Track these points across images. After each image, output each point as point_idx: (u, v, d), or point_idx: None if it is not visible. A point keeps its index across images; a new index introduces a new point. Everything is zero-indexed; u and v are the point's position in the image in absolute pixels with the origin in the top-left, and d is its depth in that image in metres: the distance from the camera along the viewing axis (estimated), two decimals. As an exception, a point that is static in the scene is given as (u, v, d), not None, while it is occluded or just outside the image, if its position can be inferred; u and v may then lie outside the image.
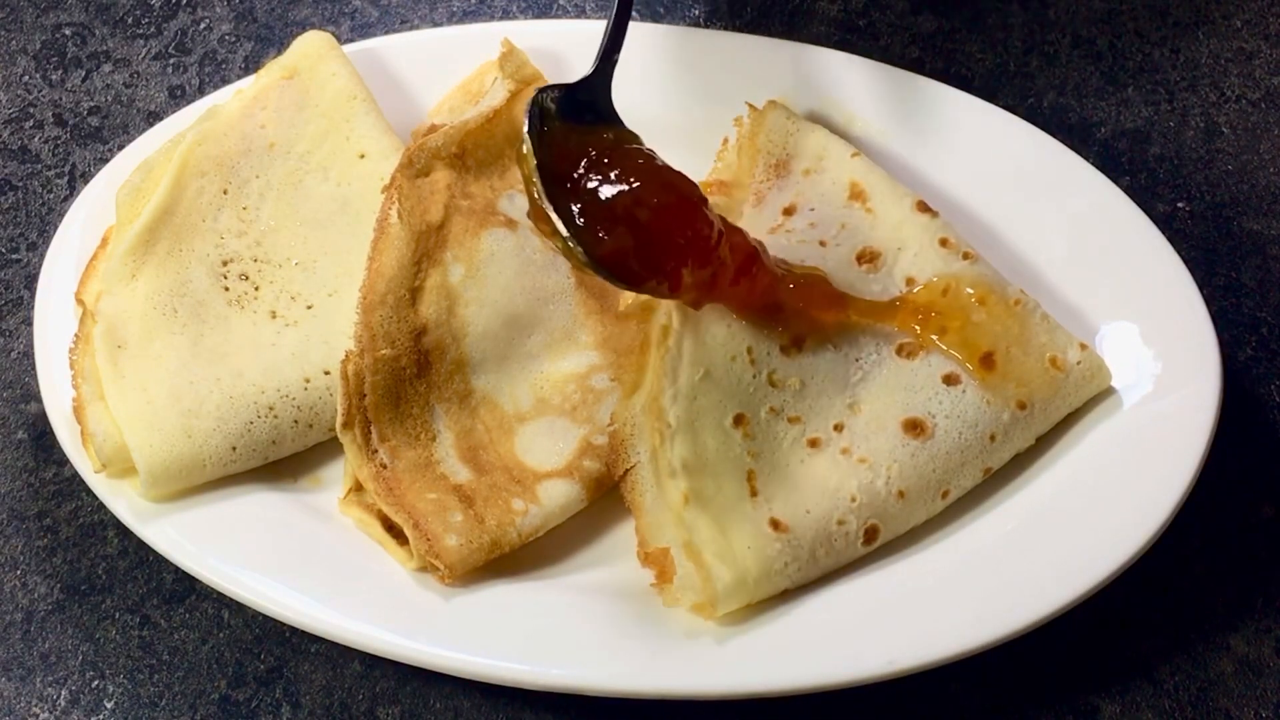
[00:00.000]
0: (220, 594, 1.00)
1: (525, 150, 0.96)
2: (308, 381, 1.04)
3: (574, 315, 1.06)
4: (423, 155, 1.09)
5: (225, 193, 1.11)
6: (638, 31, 1.21)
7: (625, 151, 0.98)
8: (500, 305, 1.05)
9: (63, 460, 1.08)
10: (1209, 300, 1.04)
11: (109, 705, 0.99)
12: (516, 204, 1.11)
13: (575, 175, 0.96)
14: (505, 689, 0.97)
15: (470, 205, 1.09)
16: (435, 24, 1.37)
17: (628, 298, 1.05)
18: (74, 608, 1.03)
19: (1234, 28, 1.34)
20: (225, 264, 1.09)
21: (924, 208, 1.07)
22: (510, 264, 1.07)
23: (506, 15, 1.38)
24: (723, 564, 0.93)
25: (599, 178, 0.95)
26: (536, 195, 0.94)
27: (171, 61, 1.35)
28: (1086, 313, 1.06)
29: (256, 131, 1.13)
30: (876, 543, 0.97)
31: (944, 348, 1.01)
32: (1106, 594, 0.94)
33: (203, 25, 1.38)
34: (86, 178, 1.23)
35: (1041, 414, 1.01)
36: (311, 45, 1.18)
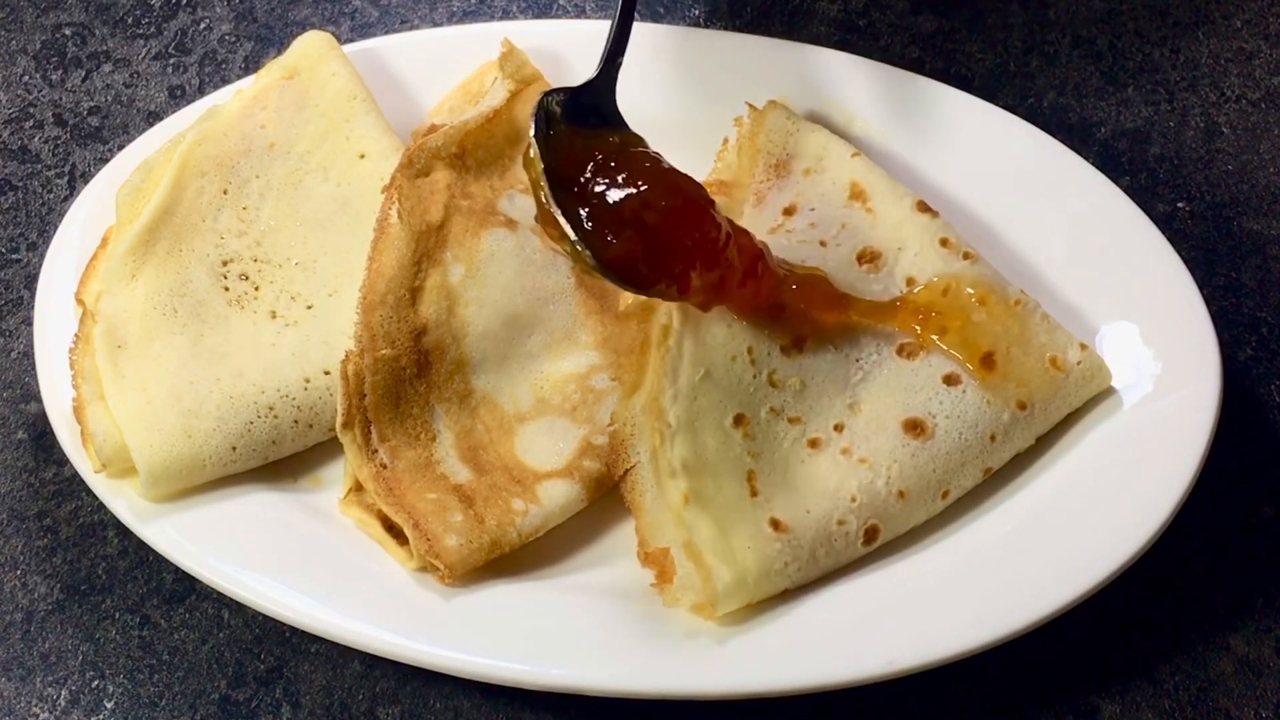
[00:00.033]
0: (220, 594, 1.00)
1: (532, 154, 0.96)
2: (308, 381, 1.04)
3: (574, 315, 1.06)
4: (423, 155, 1.09)
5: (225, 193, 1.11)
6: (638, 31, 1.20)
7: (632, 155, 0.98)
8: (500, 305, 1.05)
9: (63, 460, 1.08)
10: (1209, 300, 1.04)
11: (109, 705, 0.99)
12: (516, 204, 1.11)
13: (582, 179, 0.96)
14: (505, 689, 0.97)
15: (470, 205, 1.09)
16: (435, 24, 1.37)
17: (628, 298, 1.05)
18: (74, 608, 1.03)
19: (1234, 28, 1.34)
20: (225, 264, 1.09)
21: (924, 208, 1.07)
22: (510, 264, 1.07)
23: (506, 15, 1.38)
24: (723, 564, 0.93)
25: (606, 181, 0.95)
26: (544, 199, 0.94)
27: (171, 61, 1.35)
28: (1086, 313, 1.06)
29: (256, 131, 1.13)
30: (876, 543, 0.97)
31: (944, 348, 1.01)
32: (1106, 594, 0.94)
33: (203, 25, 1.38)
34: (86, 178, 1.23)
35: (1041, 414, 1.01)
36: (311, 45, 1.18)
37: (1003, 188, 1.12)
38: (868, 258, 1.06)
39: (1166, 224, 1.16)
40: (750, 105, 1.15)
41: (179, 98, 1.32)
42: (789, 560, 0.94)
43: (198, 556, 0.97)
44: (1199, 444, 0.97)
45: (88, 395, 1.01)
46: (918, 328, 1.02)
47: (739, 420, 0.99)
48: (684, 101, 1.19)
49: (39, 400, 1.05)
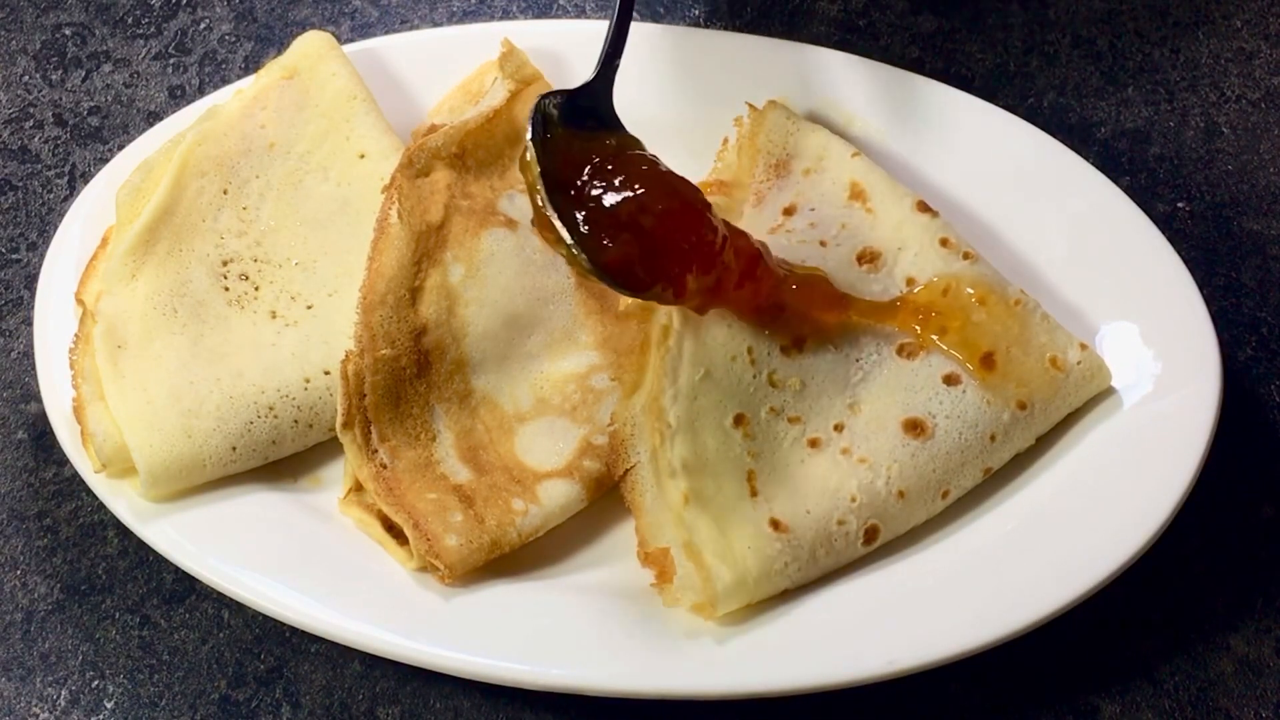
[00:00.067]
0: (220, 594, 1.00)
1: (529, 158, 0.96)
2: (308, 381, 1.04)
3: (574, 315, 1.06)
4: (423, 155, 1.09)
5: (225, 193, 1.11)
6: (637, 31, 1.20)
7: (628, 158, 0.98)
8: (500, 305, 1.05)
9: (63, 460, 1.08)
10: (1209, 300, 1.04)
11: (109, 705, 0.99)
12: (516, 204, 1.11)
13: (579, 182, 0.96)
14: (505, 689, 0.97)
15: (470, 205, 1.09)
16: (435, 24, 1.37)
17: (628, 298, 1.05)
18: (74, 608, 1.03)
19: (1234, 28, 1.34)
20: (225, 264, 1.09)
21: (924, 208, 1.07)
22: (510, 264, 1.07)
23: (506, 15, 1.38)
24: (723, 564, 0.93)
25: (603, 184, 0.95)
26: (540, 203, 0.94)
27: (171, 61, 1.35)
28: (1086, 313, 1.06)
29: (256, 131, 1.13)
30: (876, 543, 0.97)
31: (944, 348, 1.01)
32: (1106, 594, 0.94)
33: (203, 25, 1.38)
34: (86, 178, 1.23)
35: (1041, 414, 1.01)
36: (311, 45, 1.18)
37: (1003, 188, 1.12)
38: (868, 258, 1.06)
39: (1166, 224, 1.16)
40: (750, 105, 1.15)
41: (179, 98, 1.32)
42: (789, 560, 0.94)
43: (198, 556, 0.97)
44: (1199, 444, 0.97)
45: (88, 395, 1.01)
46: (918, 328, 1.02)
47: (739, 420, 0.99)
48: (684, 101, 1.19)
49: (39, 400, 1.05)
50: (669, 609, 0.95)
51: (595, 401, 1.03)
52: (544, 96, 1.00)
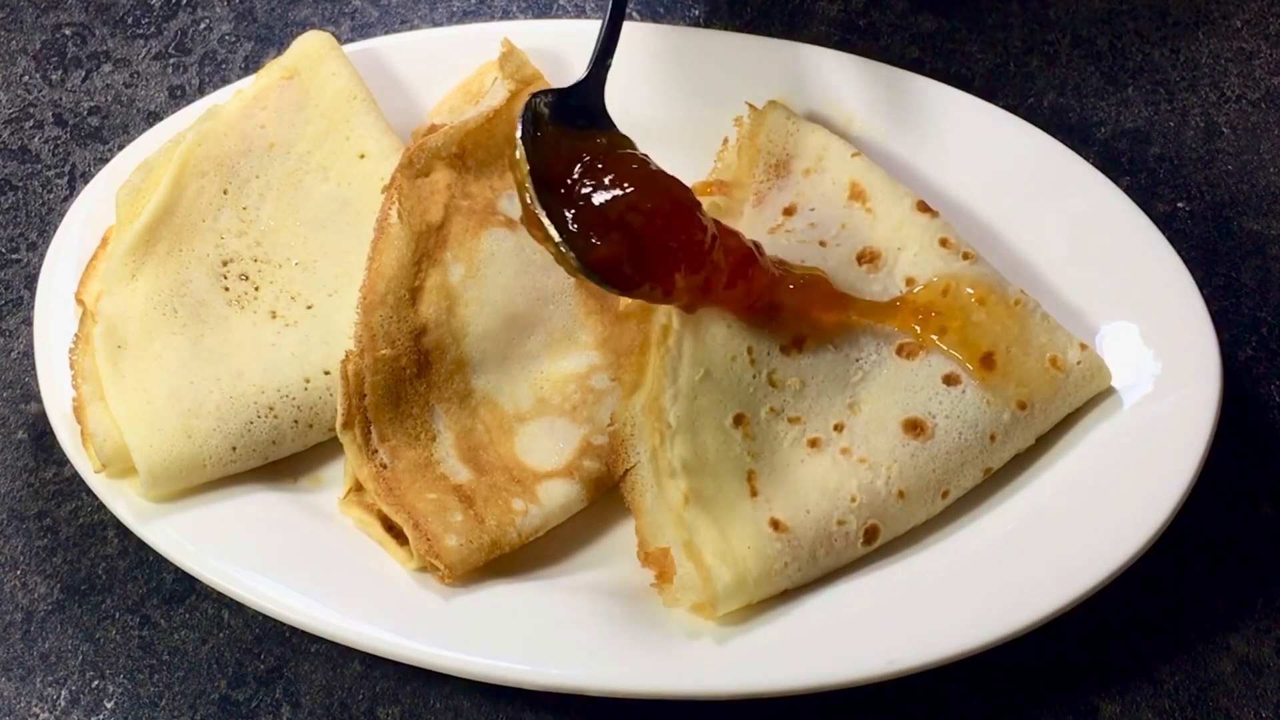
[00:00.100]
0: (220, 594, 1.00)
1: (518, 156, 0.96)
2: (308, 381, 1.04)
3: (574, 315, 1.06)
4: (423, 155, 1.09)
5: (225, 193, 1.11)
6: (637, 31, 1.21)
7: (618, 156, 0.98)
8: (500, 305, 1.05)
9: (63, 460, 1.08)
10: (1209, 300, 1.04)
11: (109, 705, 0.99)
12: (516, 204, 1.11)
13: (569, 181, 0.96)
14: (505, 689, 0.97)
15: (470, 205, 1.09)
16: (435, 24, 1.37)
17: (629, 298, 1.05)
18: (74, 608, 1.03)
19: (1234, 28, 1.34)
20: (225, 264, 1.09)
21: (924, 208, 1.07)
22: (510, 264, 1.07)
23: (506, 15, 1.38)
24: (723, 564, 0.93)
25: (592, 183, 0.95)
26: (529, 201, 0.94)
27: (171, 61, 1.35)
28: (1086, 313, 1.06)
29: (256, 131, 1.13)
30: (876, 543, 0.97)
31: (944, 348, 1.01)
32: (1106, 594, 0.94)
33: (203, 25, 1.38)
34: (86, 178, 1.23)
35: (1041, 414, 1.01)
36: (311, 45, 1.18)
37: (1003, 188, 1.12)
38: (868, 258, 1.06)
39: (1166, 224, 1.16)
40: (750, 105, 1.15)
41: (179, 98, 1.32)
42: (789, 560, 0.94)
43: (198, 556, 0.97)
44: (1199, 444, 0.97)
45: (88, 395, 1.01)
46: (917, 328, 1.02)
47: (739, 420, 0.99)
48: (684, 101, 1.19)
49: (39, 400, 1.05)
50: (669, 609, 0.95)
51: (595, 401, 1.03)
52: (535, 95, 1.00)
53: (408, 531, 0.96)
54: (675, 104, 1.19)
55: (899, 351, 1.02)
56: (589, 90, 1.03)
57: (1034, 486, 1.00)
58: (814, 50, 1.19)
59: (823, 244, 1.07)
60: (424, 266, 1.05)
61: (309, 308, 1.07)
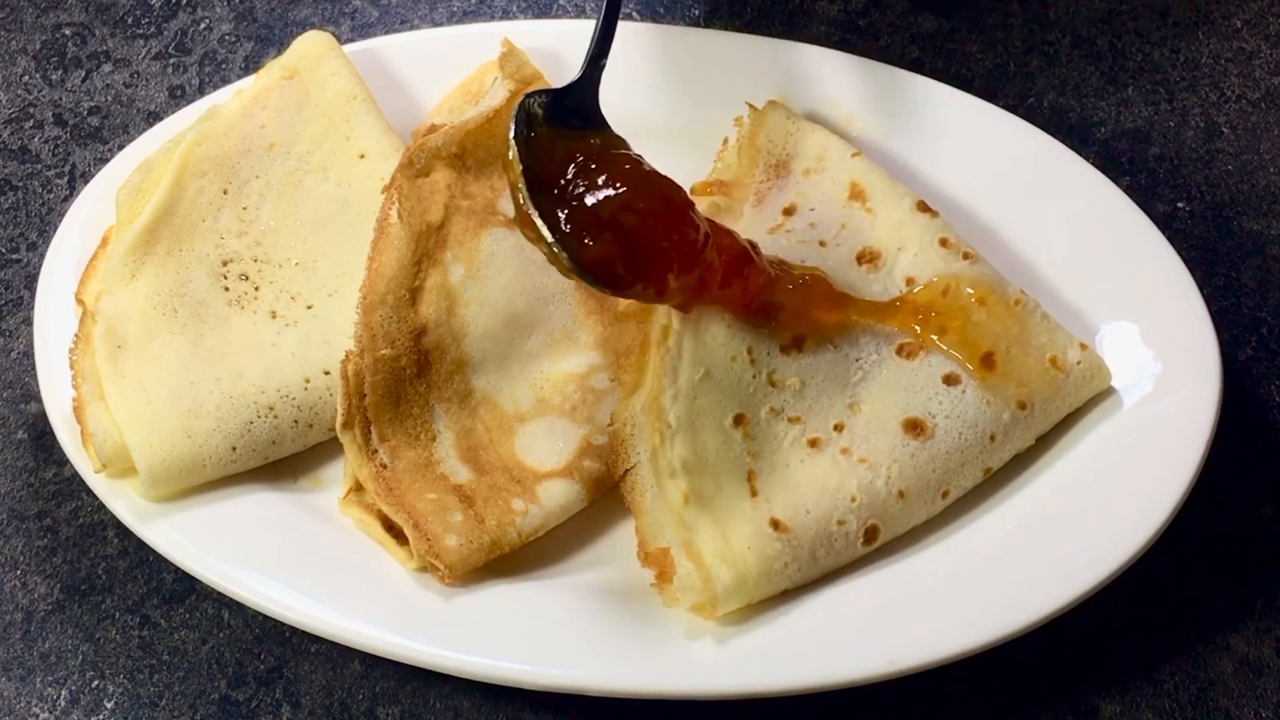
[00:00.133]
0: (220, 594, 1.00)
1: (511, 156, 0.96)
2: (308, 381, 1.04)
3: (574, 315, 1.06)
4: (423, 155, 1.09)
5: (225, 193, 1.11)
6: (637, 31, 1.21)
7: (612, 157, 0.98)
8: (500, 305, 1.05)
9: (63, 460, 1.08)
10: (1209, 300, 1.04)
11: (109, 705, 0.99)
12: (515, 204, 1.11)
13: (562, 181, 0.96)
14: (505, 689, 0.97)
15: (470, 205, 1.09)
16: (435, 24, 1.37)
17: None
18: (74, 608, 1.03)
19: (1234, 28, 1.34)
20: (225, 264, 1.09)
21: (924, 208, 1.07)
22: (510, 264, 1.07)
23: (506, 15, 1.38)
24: (723, 564, 0.93)
25: (585, 183, 0.95)
26: (522, 201, 0.94)
27: (171, 61, 1.35)
28: (1086, 313, 1.06)
29: (256, 131, 1.13)
30: (876, 543, 0.97)
31: (944, 348, 1.01)
32: (1106, 594, 0.93)
33: (203, 25, 1.38)
34: (86, 178, 1.23)
35: (1041, 414, 1.01)
36: (311, 45, 1.18)
37: (1003, 188, 1.12)
38: (867, 258, 1.06)
39: (1166, 224, 1.16)
40: (750, 105, 1.15)
41: (179, 98, 1.32)
42: (789, 560, 0.94)
43: (198, 556, 0.97)
44: (1199, 444, 0.97)
45: (88, 395, 1.01)
46: (917, 328, 1.02)
47: (739, 420, 0.99)
48: (683, 101, 1.19)
49: (39, 400, 1.05)
50: (669, 609, 0.95)
51: (595, 401, 1.03)
52: (528, 95, 1.00)
53: (408, 531, 0.96)
54: (675, 104, 1.19)
55: (899, 351, 1.02)
56: (583, 91, 1.03)
57: (1034, 486, 1.00)
58: (814, 50, 1.19)
59: (823, 244, 1.07)
60: (424, 266, 1.05)
61: (309, 308, 1.07)
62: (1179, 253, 1.06)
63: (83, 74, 1.35)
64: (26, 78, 1.35)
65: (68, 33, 1.38)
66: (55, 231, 1.12)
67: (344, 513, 1.00)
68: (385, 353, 1.01)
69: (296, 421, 1.03)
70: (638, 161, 0.98)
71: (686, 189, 1.13)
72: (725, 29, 1.33)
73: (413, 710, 0.98)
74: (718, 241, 0.97)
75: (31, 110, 1.32)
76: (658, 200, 0.96)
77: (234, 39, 1.37)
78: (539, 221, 0.93)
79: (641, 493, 0.97)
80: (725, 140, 1.15)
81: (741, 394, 1.00)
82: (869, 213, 1.08)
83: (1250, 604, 1.01)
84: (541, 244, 0.94)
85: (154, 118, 1.30)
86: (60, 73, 1.35)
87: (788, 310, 1.01)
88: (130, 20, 1.38)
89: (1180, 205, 1.22)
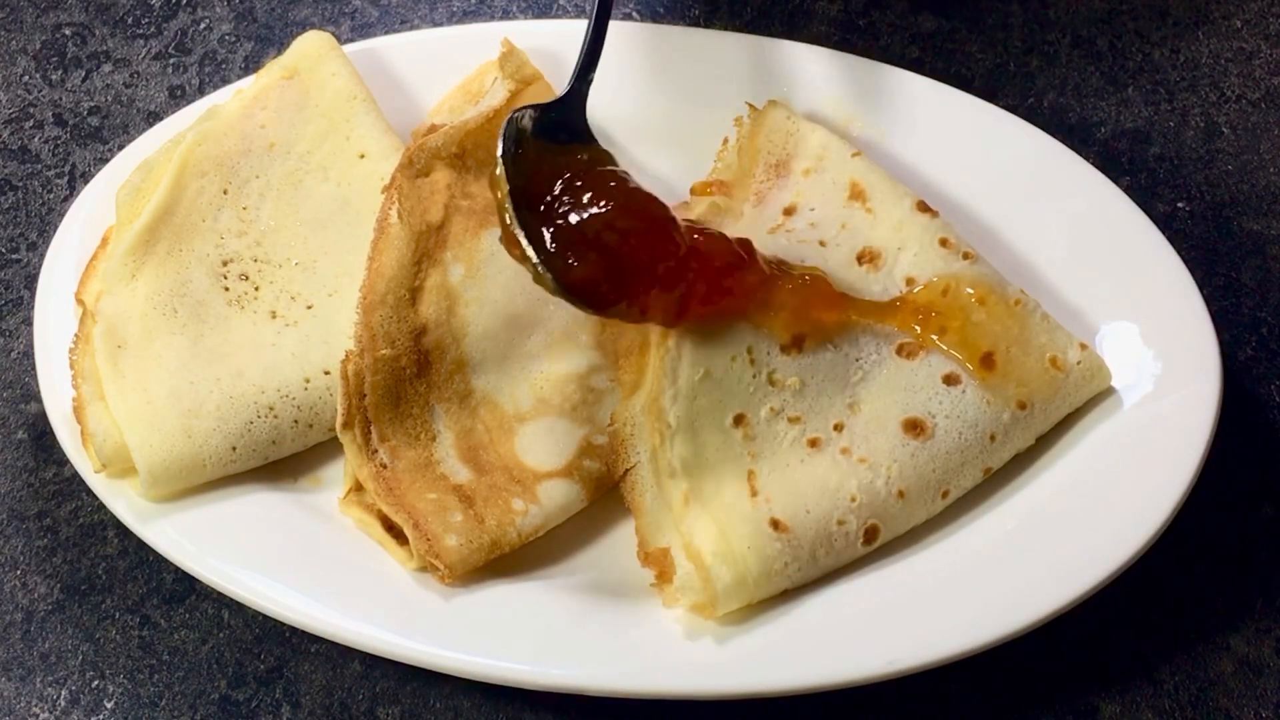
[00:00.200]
0: (220, 594, 1.00)
1: (499, 173, 0.96)
2: (308, 381, 1.04)
3: (574, 315, 1.06)
4: (423, 155, 1.09)
5: (225, 193, 1.11)
6: (637, 31, 1.21)
7: (598, 174, 0.98)
8: (500, 305, 1.05)
9: (63, 460, 1.08)
10: (1209, 300, 1.04)
11: (109, 705, 0.99)
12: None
13: (548, 198, 0.96)
14: (505, 689, 0.97)
15: (470, 205, 1.09)
16: (435, 24, 1.37)
17: None
18: (74, 608, 1.03)
19: (1234, 28, 1.34)
20: (225, 264, 1.09)
21: (924, 208, 1.07)
22: (510, 264, 1.06)
23: (506, 15, 1.38)
24: (723, 564, 0.93)
25: (571, 201, 0.96)
26: (508, 221, 0.95)
27: (171, 61, 1.35)
28: (1086, 313, 1.06)
29: (256, 131, 1.13)
30: (876, 543, 0.97)
31: (944, 348, 1.01)
32: (1106, 594, 0.93)
33: (203, 25, 1.38)
34: (86, 178, 1.23)
35: (1041, 414, 1.01)
36: (311, 45, 1.18)
37: (1003, 188, 1.12)
38: (867, 258, 1.06)
39: (1166, 224, 1.16)
40: (750, 105, 1.15)
41: (179, 98, 1.32)
42: (789, 560, 0.94)
43: (198, 556, 0.97)
44: (1199, 444, 0.97)
45: (88, 395, 1.01)
46: (917, 328, 1.02)
47: (739, 420, 0.99)
48: (684, 101, 1.19)
49: (39, 400, 1.05)
50: (669, 609, 0.95)
51: (595, 401, 1.03)
52: (516, 111, 1.01)
53: (408, 531, 0.96)
54: (675, 104, 1.19)
55: (899, 351, 1.02)
56: (571, 106, 1.05)
57: (1034, 486, 1.00)
58: (814, 50, 1.19)
59: (823, 244, 1.07)
60: (424, 266, 1.05)
61: (309, 308, 1.07)
62: (1179, 253, 1.06)
63: (83, 74, 1.35)
64: (26, 78, 1.35)
65: (68, 33, 1.38)
66: (55, 231, 1.12)
67: (344, 513, 1.00)
68: (385, 353, 1.01)
69: (296, 421, 1.03)
70: (623, 179, 0.99)
71: (686, 189, 1.14)
72: (725, 29, 1.33)
73: (413, 710, 0.98)
74: (707, 249, 0.98)
75: (31, 110, 1.32)
76: (642, 219, 0.96)
77: (234, 39, 1.37)
78: (525, 242, 0.94)
79: (641, 493, 0.97)
80: (725, 140, 1.15)
81: (741, 394, 1.00)
82: (869, 213, 1.08)
83: (1250, 604, 1.01)
84: (527, 263, 0.94)
85: (154, 118, 1.30)
86: (60, 73, 1.35)
87: (788, 310, 1.01)
88: (130, 20, 1.38)
89: (1180, 205, 1.22)
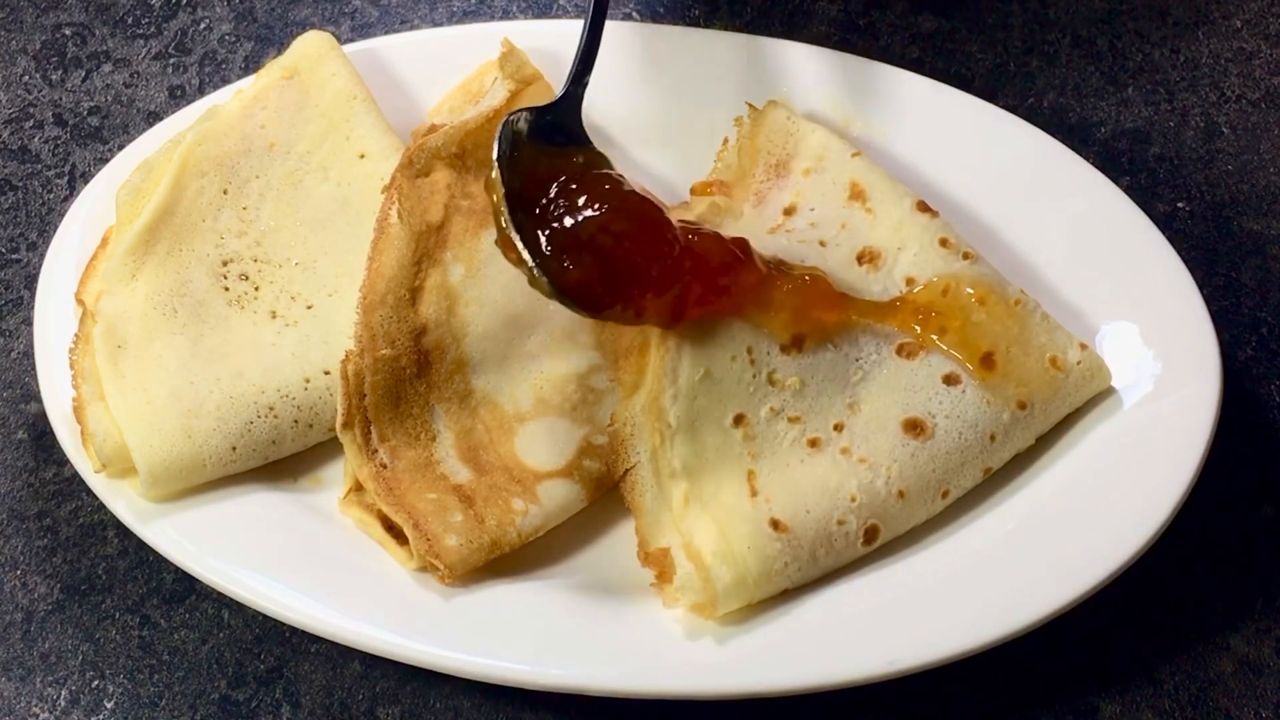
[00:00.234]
0: (220, 594, 1.00)
1: (494, 176, 0.97)
2: (308, 381, 1.04)
3: (574, 315, 1.06)
4: (423, 155, 1.09)
5: (225, 193, 1.11)
6: (637, 31, 1.21)
7: (592, 177, 0.99)
8: (500, 305, 1.05)
9: (63, 460, 1.08)
10: (1209, 300, 1.04)
11: (109, 705, 0.99)
12: (516, 204, 1.11)
13: (544, 201, 0.97)
14: (505, 689, 0.97)
15: (470, 205, 1.09)
16: (435, 24, 1.37)
17: None
18: (74, 608, 1.03)
19: (1234, 28, 1.34)
20: (225, 264, 1.09)
21: (924, 208, 1.07)
22: (510, 264, 1.07)
23: (506, 15, 1.38)
24: (723, 564, 0.93)
25: (566, 204, 0.96)
26: (504, 225, 0.95)
27: (171, 61, 1.35)
28: (1086, 313, 1.06)
29: (256, 131, 1.13)
30: (876, 543, 0.97)
31: (944, 348, 1.01)
32: (1106, 594, 0.94)
33: (203, 25, 1.38)
34: (86, 178, 1.23)
35: (1041, 414, 1.01)
36: (311, 45, 1.18)
37: (1003, 188, 1.12)
38: (867, 258, 1.06)
39: (1166, 224, 1.16)
40: (750, 105, 1.15)
41: (179, 98, 1.32)
42: (789, 560, 0.94)
43: (198, 556, 0.97)
44: (1199, 444, 0.97)
45: (88, 395, 1.01)
46: (917, 328, 1.02)
47: (739, 420, 0.99)
48: (684, 101, 1.19)
49: (39, 400, 1.05)
50: (669, 609, 0.95)
51: (595, 401, 1.03)
52: (512, 114, 1.01)
53: (408, 531, 0.96)
54: (675, 104, 1.19)
55: (899, 351, 1.02)
56: (566, 109, 1.05)
57: (1034, 486, 1.00)
58: (814, 50, 1.19)
59: (823, 244, 1.07)
60: (424, 266, 1.05)
61: (309, 308, 1.07)
62: (1179, 253, 1.06)
63: (83, 74, 1.35)
64: (26, 78, 1.35)
65: (68, 33, 1.38)
66: (55, 231, 1.12)
67: (344, 513, 1.00)
68: (385, 353, 1.01)
69: (296, 421, 1.03)
70: (618, 181, 0.99)
71: (686, 189, 1.14)
72: (725, 29, 1.33)
73: (413, 710, 0.98)
74: (702, 250, 0.98)
75: (31, 110, 1.32)
76: (636, 222, 0.97)
77: (234, 39, 1.37)
78: (521, 246, 0.94)
79: (641, 493, 0.97)
80: (725, 140, 1.15)
81: (741, 394, 1.00)
82: (869, 213, 1.08)
83: (1250, 604, 1.01)
84: (523, 267, 0.95)
85: (154, 118, 1.30)
86: (60, 73, 1.35)
87: (788, 310, 1.02)
88: (130, 20, 1.38)
89: (1180, 205, 1.22)
